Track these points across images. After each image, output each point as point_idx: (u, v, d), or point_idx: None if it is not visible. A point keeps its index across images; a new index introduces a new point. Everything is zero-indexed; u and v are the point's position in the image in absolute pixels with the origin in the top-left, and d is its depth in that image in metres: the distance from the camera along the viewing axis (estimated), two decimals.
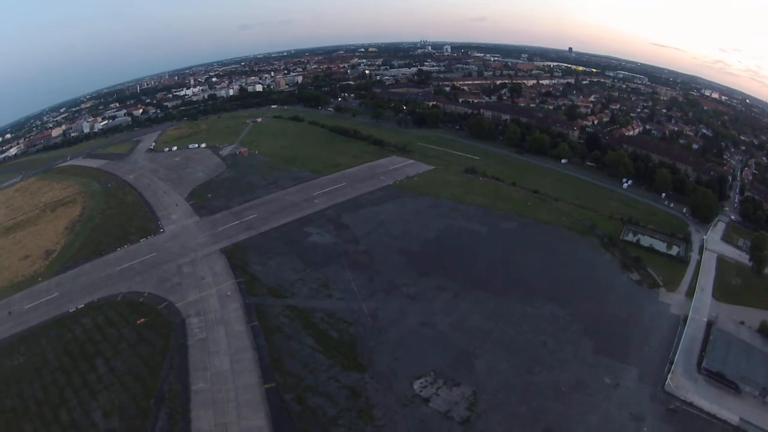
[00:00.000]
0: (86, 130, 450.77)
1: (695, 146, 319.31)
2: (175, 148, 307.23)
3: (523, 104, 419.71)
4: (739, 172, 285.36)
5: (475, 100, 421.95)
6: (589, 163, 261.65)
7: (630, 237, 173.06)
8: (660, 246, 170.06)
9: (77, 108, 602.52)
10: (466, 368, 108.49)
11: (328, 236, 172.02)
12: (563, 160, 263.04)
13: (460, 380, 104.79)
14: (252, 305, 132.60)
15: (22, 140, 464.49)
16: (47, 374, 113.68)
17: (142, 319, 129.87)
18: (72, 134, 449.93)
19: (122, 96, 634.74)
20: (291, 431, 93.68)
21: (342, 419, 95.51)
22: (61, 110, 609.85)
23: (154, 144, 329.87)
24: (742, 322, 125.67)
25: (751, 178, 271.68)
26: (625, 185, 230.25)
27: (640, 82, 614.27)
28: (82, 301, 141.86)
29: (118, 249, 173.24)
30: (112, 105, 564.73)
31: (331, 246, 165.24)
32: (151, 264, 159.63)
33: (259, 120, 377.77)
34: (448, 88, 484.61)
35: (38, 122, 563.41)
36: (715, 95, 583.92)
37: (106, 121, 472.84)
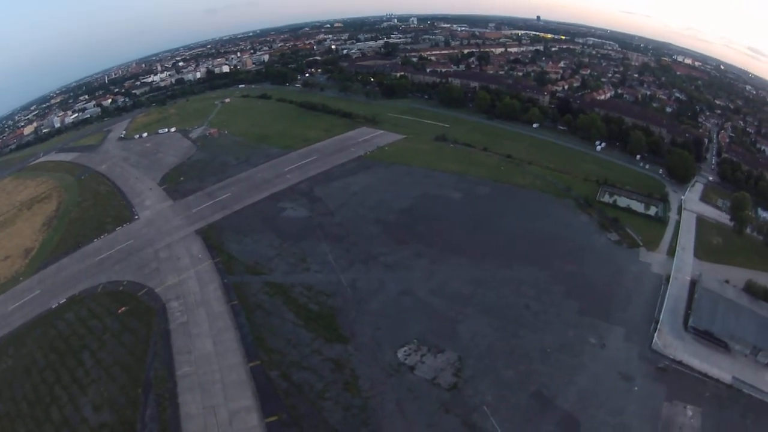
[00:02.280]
0: (57, 125, 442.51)
1: (669, 110, 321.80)
2: (145, 134, 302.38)
3: (491, 72, 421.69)
4: (715, 135, 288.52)
5: (444, 70, 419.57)
6: (561, 127, 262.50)
7: (606, 198, 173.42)
8: (637, 206, 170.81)
9: (47, 104, 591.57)
10: (449, 334, 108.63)
11: (302, 210, 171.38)
12: (534, 125, 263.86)
13: (444, 347, 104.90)
14: (231, 284, 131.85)
15: None
16: (36, 374, 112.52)
17: (124, 308, 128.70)
18: (44, 130, 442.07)
19: (91, 88, 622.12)
20: (279, 408, 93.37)
21: (329, 392, 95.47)
22: (32, 108, 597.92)
23: (124, 132, 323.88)
24: (727, 281, 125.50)
25: (728, 140, 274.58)
26: (599, 148, 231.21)
27: (610, 48, 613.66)
28: (63, 295, 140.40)
29: (96, 240, 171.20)
30: (81, 98, 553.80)
31: (305, 220, 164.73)
32: (129, 251, 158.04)
33: (228, 100, 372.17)
34: (415, 59, 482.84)
35: (10, 122, 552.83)
36: (688, 61, 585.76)
37: (77, 114, 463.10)
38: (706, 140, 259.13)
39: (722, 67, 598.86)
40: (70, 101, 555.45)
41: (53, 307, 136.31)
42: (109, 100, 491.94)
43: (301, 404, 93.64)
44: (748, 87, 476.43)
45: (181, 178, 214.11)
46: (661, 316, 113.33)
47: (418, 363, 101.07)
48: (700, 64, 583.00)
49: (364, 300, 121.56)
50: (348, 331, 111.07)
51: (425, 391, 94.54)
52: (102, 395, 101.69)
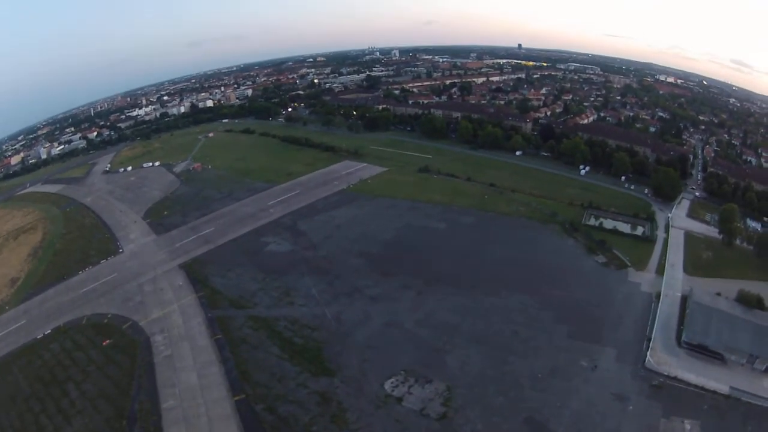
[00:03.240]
0: (43, 156, 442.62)
1: (652, 129, 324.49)
2: (130, 168, 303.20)
3: (473, 101, 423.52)
4: (700, 151, 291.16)
5: (426, 101, 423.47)
6: (545, 153, 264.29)
7: (592, 221, 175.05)
8: (624, 228, 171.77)
9: (34, 135, 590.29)
10: (437, 364, 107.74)
11: (285, 244, 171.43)
12: (518, 152, 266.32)
13: (432, 377, 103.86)
14: (214, 318, 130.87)
15: None
16: (22, 402, 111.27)
17: (108, 341, 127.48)
18: (30, 161, 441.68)
19: (77, 120, 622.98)
20: None
21: (315, 425, 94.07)
22: (19, 138, 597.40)
23: (109, 165, 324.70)
24: (719, 294, 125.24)
25: (713, 154, 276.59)
26: (583, 172, 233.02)
27: (592, 72, 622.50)
28: (48, 326, 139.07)
29: (80, 272, 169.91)
30: (67, 129, 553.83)
31: (289, 254, 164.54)
32: (113, 284, 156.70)
33: (211, 135, 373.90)
34: (397, 91, 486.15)
35: None
36: (671, 80, 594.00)
37: (63, 146, 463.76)
38: (691, 156, 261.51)
39: (705, 82, 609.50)
40: (57, 133, 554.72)
41: (38, 337, 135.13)
42: (95, 133, 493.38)
43: None
44: (731, 100, 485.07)
45: (165, 212, 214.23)
46: (653, 334, 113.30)
47: (406, 394, 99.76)
48: (682, 81, 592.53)
49: (349, 332, 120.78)
50: (334, 364, 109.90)
51: (413, 422, 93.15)
52: (87, 426, 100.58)
